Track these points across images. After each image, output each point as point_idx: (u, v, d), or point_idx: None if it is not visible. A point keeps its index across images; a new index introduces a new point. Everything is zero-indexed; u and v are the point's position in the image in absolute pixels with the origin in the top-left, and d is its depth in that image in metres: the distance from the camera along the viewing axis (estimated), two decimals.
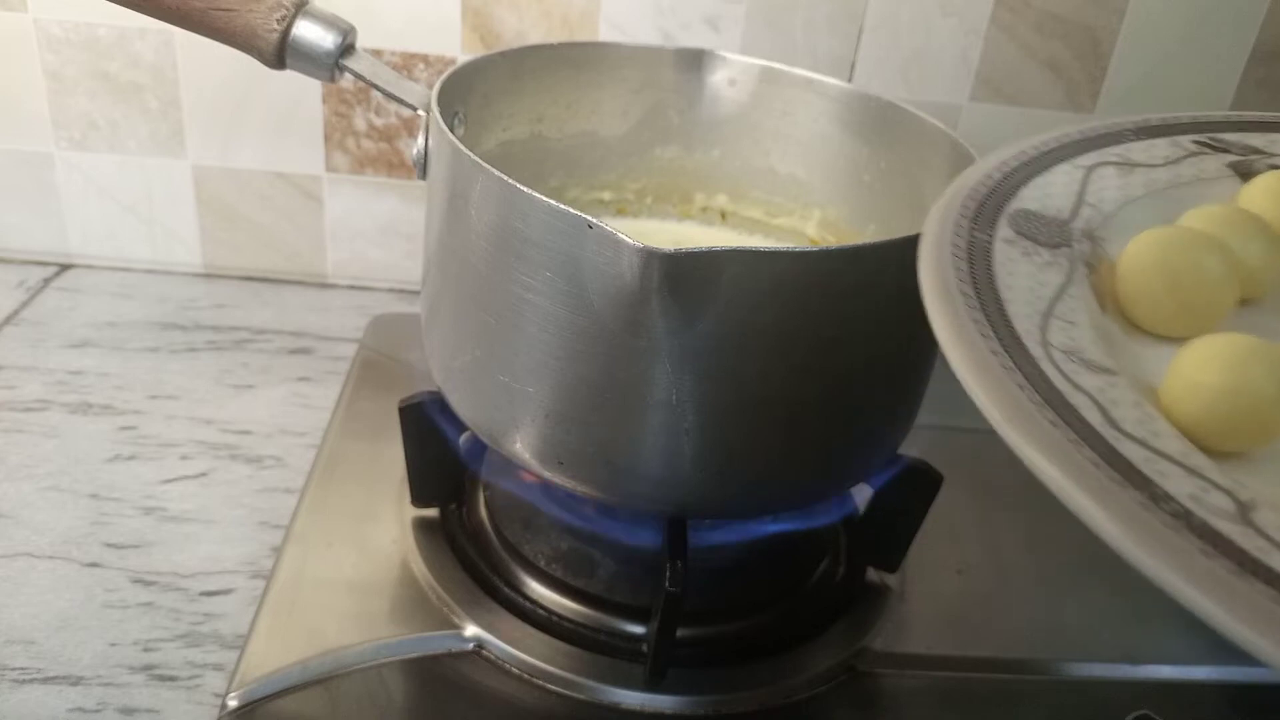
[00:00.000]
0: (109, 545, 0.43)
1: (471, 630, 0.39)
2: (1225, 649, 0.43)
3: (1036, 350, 0.22)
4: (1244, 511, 0.19)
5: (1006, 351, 0.22)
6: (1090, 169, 0.31)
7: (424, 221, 0.40)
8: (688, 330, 0.31)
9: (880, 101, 0.45)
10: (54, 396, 0.52)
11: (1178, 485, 0.19)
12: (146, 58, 0.58)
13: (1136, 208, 0.30)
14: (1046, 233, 0.27)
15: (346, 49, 0.41)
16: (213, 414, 0.52)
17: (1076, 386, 0.22)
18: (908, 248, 0.33)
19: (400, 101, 0.41)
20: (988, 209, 0.28)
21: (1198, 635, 0.44)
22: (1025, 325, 0.23)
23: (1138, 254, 0.27)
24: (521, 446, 0.36)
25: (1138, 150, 0.33)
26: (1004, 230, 0.27)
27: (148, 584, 0.41)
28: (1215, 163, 0.33)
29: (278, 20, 0.40)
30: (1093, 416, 0.21)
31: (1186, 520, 0.18)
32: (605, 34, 0.58)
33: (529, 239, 0.32)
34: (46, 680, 0.37)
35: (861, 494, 0.43)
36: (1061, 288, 0.25)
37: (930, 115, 0.43)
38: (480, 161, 0.33)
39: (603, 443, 0.35)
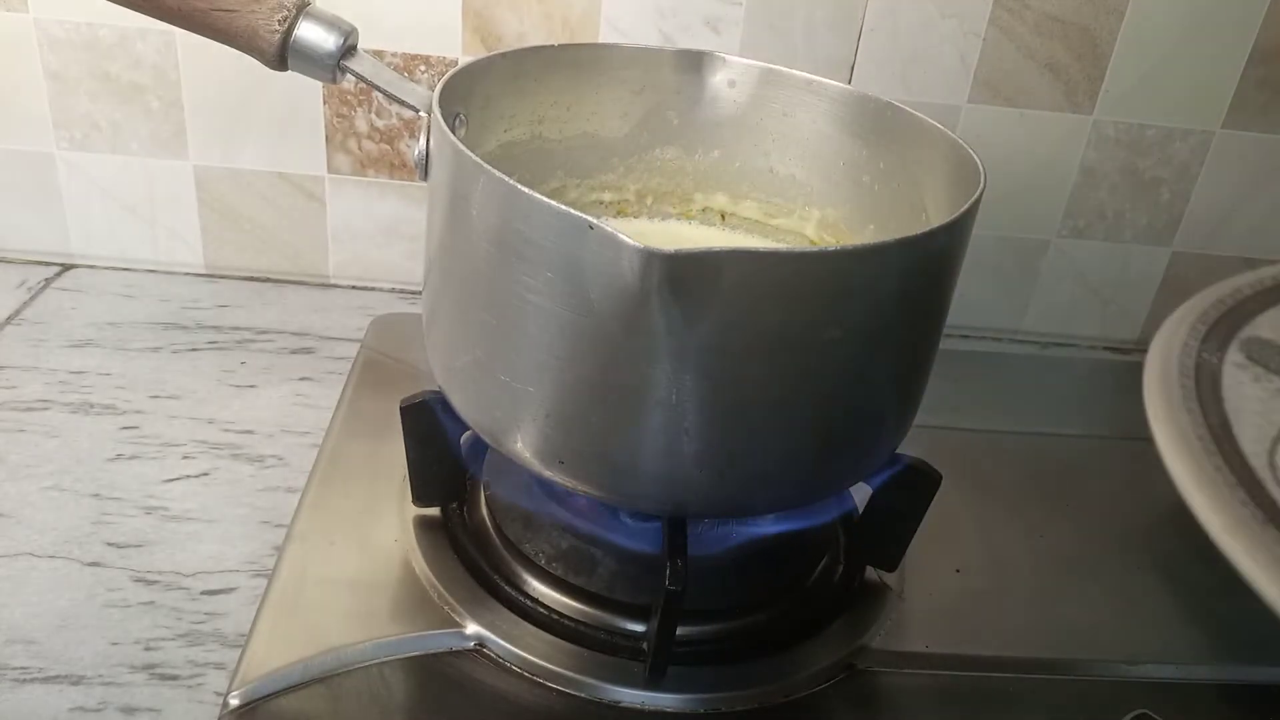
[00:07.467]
0: (110, 544, 0.43)
1: (473, 629, 0.40)
2: (1225, 648, 0.43)
3: (1264, 473, 0.22)
4: None
5: (1231, 469, 0.22)
6: None
7: (425, 222, 0.40)
8: (688, 330, 0.31)
9: (879, 103, 0.45)
10: (56, 396, 0.52)
11: None
12: (148, 58, 0.58)
13: None
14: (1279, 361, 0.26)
15: (348, 50, 0.41)
16: (214, 414, 0.52)
17: None
18: (907, 248, 0.33)
19: (402, 103, 0.41)
20: (1218, 332, 0.27)
21: (1197, 635, 0.44)
22: (1252, 447, 0.23)
23: None
24: (522, 446, 0.36)
25: None
26: (1234, 355, 0.26)
27: (149, 583, 0.41)
28: None
29: (279, 21, 0.40)
30: None
31: None
32: (605, 35, 0.58)
33: (530, 240, 0.32)
34: (47, 679, 0.37)
35: (860, 493, 0.43)
36: None
37: (929, 116, 0.43)
38: (481, 162, 0.33)
39: (603, 443, 0.35)
